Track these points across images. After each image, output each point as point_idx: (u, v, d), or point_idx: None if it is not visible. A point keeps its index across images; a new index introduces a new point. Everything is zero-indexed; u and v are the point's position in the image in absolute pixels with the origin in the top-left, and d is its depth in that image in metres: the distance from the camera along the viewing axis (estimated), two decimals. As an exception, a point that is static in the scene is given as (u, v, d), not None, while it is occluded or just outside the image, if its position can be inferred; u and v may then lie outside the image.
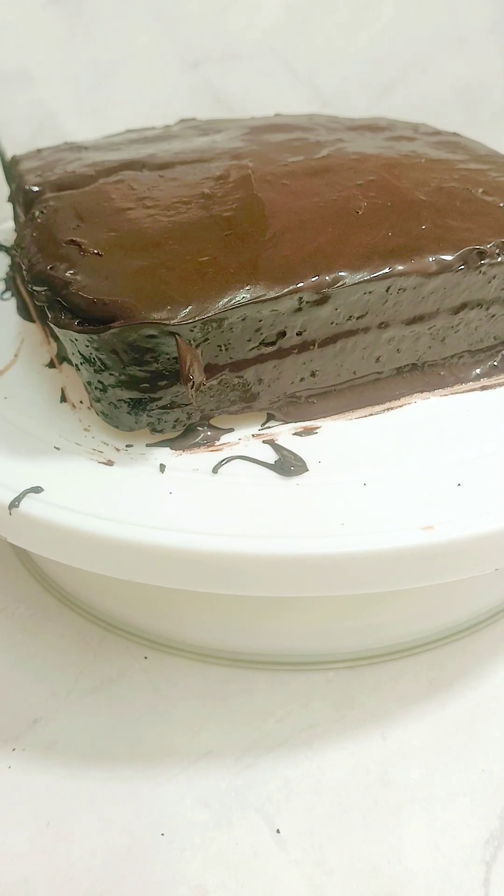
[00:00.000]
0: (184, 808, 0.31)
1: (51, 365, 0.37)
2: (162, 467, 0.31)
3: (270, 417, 0.34)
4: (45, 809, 0.31)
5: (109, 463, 0.31)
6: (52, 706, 0.35)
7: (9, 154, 0.43)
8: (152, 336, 0.29)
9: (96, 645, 0.38)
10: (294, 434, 0.33)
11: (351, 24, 0.66)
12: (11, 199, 0.42)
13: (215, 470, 0.31)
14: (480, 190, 0.37)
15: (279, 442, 0.32)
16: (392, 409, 0.34)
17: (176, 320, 0.28)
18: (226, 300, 0.29)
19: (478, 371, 0.36)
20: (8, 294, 0.43)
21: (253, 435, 0.33)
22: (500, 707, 0.35)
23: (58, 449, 0.32)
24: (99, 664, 0.37)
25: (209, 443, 0.32)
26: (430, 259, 0.32)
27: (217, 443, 0.32)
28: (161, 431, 0.32)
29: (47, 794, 0.32)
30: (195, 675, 0.36)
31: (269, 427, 0.33)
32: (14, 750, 0.34)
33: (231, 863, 0.30)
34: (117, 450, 0.32)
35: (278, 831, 0.31)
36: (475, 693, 0.35)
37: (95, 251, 0.31)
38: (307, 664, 0.37)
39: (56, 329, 0.30)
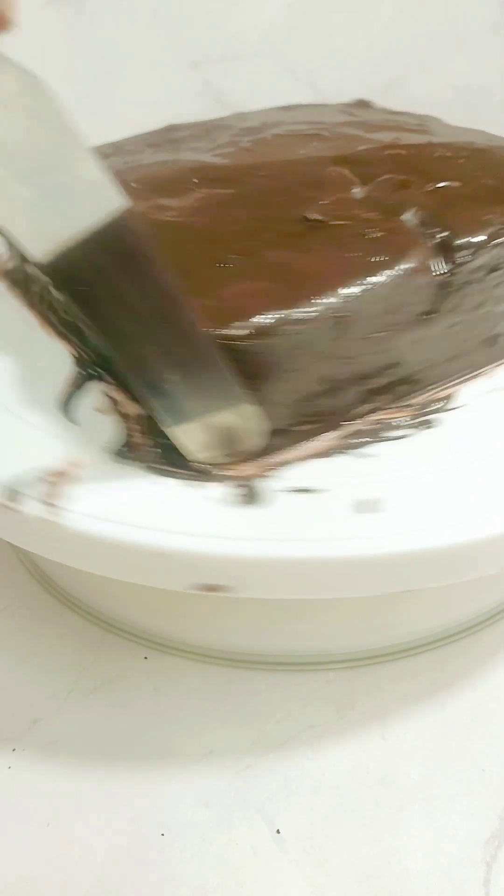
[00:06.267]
0: (184, 809, 0.31)
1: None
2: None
3: None
4: (45, 809, 0.31)
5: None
6: (52, 706, 0.35)
7: None
8: None
9: (96, 645, 0.38)
10: None
11: (351, 24, 0.66)
12: None
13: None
14: None
15: None
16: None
17: None
18: None
19: None
20: None
21: None
22: (500, 707, 0.35)
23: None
24: (99, 664, 0.37)
25: None
26: None
27: None
28: None
29: (47, 794, 0.32)
30: (195, 676, 0.36)
31: None
32: (14, 750, 0.34)
33: (231, 863, 0.30)
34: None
35: (278, 831, 0.31)
36: (475, 693, 0.35)
37: None
38: (307, 664, 0.37)
39: None
